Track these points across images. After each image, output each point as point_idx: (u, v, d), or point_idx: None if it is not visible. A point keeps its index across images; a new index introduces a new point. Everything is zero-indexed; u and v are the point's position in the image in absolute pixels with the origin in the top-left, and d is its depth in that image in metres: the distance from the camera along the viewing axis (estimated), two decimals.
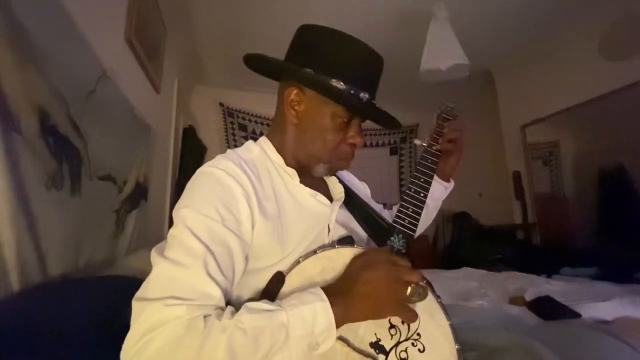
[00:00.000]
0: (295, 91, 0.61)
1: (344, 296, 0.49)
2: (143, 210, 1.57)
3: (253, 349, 0.41)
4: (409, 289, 0.51)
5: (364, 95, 0.61)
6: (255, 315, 0.44)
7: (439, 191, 0.81)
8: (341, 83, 0.59)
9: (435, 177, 0.78)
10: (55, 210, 0.82)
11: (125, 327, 0.42)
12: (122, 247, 1.31)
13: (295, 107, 0.61)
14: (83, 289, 0.79)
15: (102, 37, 1.11)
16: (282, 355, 0.43)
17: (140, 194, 1.54)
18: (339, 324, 0.47)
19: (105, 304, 0.71)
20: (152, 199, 1.74)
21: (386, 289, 0.49)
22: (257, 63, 0.66)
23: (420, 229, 0.82)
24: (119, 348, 0.41)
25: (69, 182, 0.89)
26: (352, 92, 0.59)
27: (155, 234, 1.86)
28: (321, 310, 0.46)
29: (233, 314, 0.44)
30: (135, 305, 0.43)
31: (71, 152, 0.91)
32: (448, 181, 0.81)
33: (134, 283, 0.49)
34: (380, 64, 0.64)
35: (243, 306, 0.45)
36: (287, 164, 0.63)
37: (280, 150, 0.64)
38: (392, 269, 0.51)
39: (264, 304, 0.46)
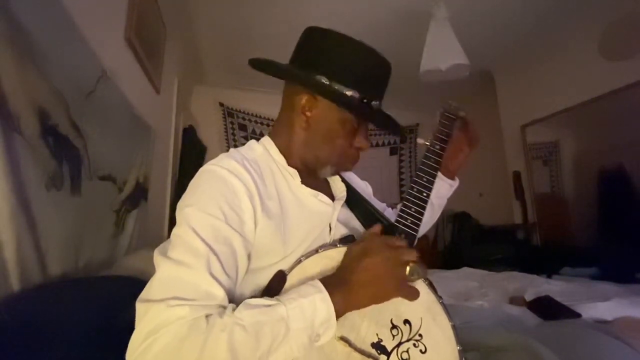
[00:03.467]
0: (306, 97, 0.61)
1: (343, 285, 0.49)
2: (143, 210, 1.57)
3: (254, 344, 0.42)
4: (408, 269, 0.51)
5: (375, 103, 0.61)
6: (255, 310, 0.44)
7: (444, 189, 0.81)
8: (356, 92, 0.59)
9: (441, 175, 0.79)
10: (55, 210, 0.82)
11: (126, 327, 0.42)
12: (122, 247, 1.31)
13: (306, 113, 0.62)
14: (83, 289, 0.79)
15: (102, 37, 1.11)
16: (284, 350, 0.43)
17: (140, 194, 1.54)
18: (340, 314, 0.47)
19: (105, 304, 0.71)
20: (152, 199, 1.74)
21: (385, 272, 0.50)
22: (266, 68, 0.66)
23: (425, 228, 0.83)
24: (119, 348, 0.41)
25: (69, 182, 0.89)
26: (364, 100, 0.60)
27: (155, 234, 1.85)
28: (320, 301, 0.46)
29: (234, 311, 0.44)
30: (139, 306, 0.43)
31: (71, 152, 0.91)
32: (453, 179, 0.82)
33: (134, 283, 0.49)
34: (389, 71, 0.64)
35: (242, 303, 0.45)
36: (290, 164, 0.63)
37: (284, 151, 0.64)
38: (389, 252, 0.51)
39: (263, 300, 0.46)
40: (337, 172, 0.68)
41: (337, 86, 0.59)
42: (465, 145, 0.76)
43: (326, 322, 0.46)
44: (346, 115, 0.61)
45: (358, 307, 0.50)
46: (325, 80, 0.59)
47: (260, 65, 0.65)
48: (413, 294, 0.52)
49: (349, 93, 0.59)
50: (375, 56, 0.61)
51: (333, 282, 0.49)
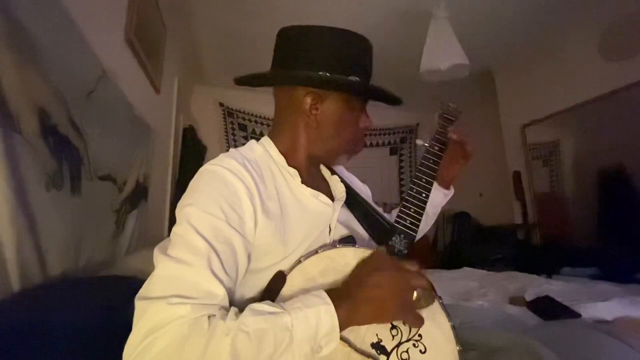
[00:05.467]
0: (311, 96, 0.61)
1: (349, 300, 0.48)
2: (143, 210, 1.57)
3: (256, 351, 0.41)
4: (415, 294, 0.50)
5: (372, 83, 0.63)
6: (259, 317, 0.44)
7: (438, 198, 0.81)
8: (355, 77, 0.61)
9: (435, 184, 0.78)
10: (55, 210, 0.82)
11: (126, 327, 0.42)
12: (122, 247, 1.31)
13: (313, 112, 0.62)
14: (83, 289, 0.79)
15: (102, 37, 1.11)
16: (285, 358, 0.43)
17: (140, 194, 1.54)
18: (342, 327, 0.47)
19: (105, 304, 0.71)
20: (152, 199, 1.74)
21: (392, 293, 0.49)
22: (267, 80, 0.66)
23: (418, 234, 0.82)
24: (119, 348, 0.41)
25: (69, 182, 0.89)
26: (363, 83, 0.62)
27: (155, 234, 1.86)
28: (325, 313, 0.46)
29: (237, 315, 0.44)
30: (138, 304, 0.43)
31: (71, 152, 0.91)
32: (448, 188, 0.82)
33: (134, 283, 0.49)
34: (371, 47, 0.66)
35: (247, 308, 0.45)
36: (290, 164, 0.63)
37: (285, 152, 0.64)
38: (399, 274, 0.51)
39: (268, 306, 0.46)
40: (350, 157, 0.69)
41: (340, 76, 0.60)
42: (460, 158, 0.76)
43: (329, 335, 0.45)
44: (351, 102, 0.63)
45: (361, 323, 0.50)
46: (328, 74, 0.60)
47: (255, 80, 0.66)
48: (417, 321, 0.51)
49: (352, 79, 0.60)
50: (358, 38, 0.63)
51: (339, 295, 0.48)
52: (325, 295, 0.48)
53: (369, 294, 0.49)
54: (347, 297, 0.49)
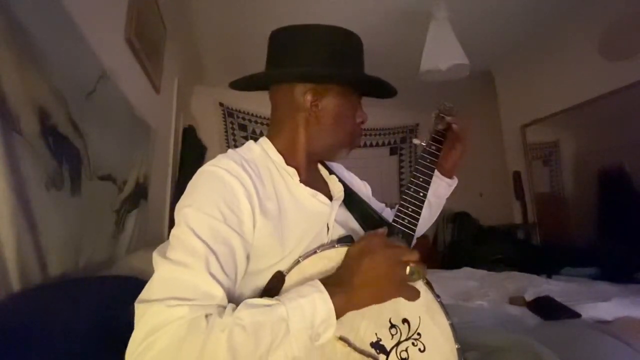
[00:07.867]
0: (311, 92, 0.62)
1: (344, 285, 0.49)
2: (143, 210, 1.57)
3: (254, 344, 0.42)
4: (408, 269, 0.51)
5: (370, 75, 0.64)
6: (254, 310, 0.44)
7: (442, 188, 0.81)
8: (351, 69, 0.63)
9: (439, 174, 0.79)
10: (55, 210, 0.82)
11: (125, 327, 0.42)
12: (122, 247, 1.31)
13: (313, 108, 0.62)
14: (83, 289, 0.79)
15: (102, 37, 1.11)
16: (284, 349, 0.43)
17: (140, 194, 1.54)
18: (340, 314, 0.47)
19: (105, 304, 0.71)
20: (152, 199, 1.74)
21: (385, 272, 0.50)
22: (265, 79, 0.67)
23: (423, 228, 0.83)
24: (119, 348, 0.41)
25: (69, 182, 0.89)
26: (361, 73, 0.64)
27: (155, 234, 1.86)
28: (320, 301, 0.46)
29: (234, 310, 0.44)
30: (137, 307, 0.43)
31: (71, 152, 0.91)
32: (451, 178, 0.81)
33: (134, 283, 0.50)
34: (361, 41, 0.67)
35: (242, 303, 0.45)
36: (289, 164, 0.63)
37: (284, 151, 0.64)
38: (389, 252, 0.51)
39: (263, 300, 0.46)
40: (350, 151, 0.70)
41: (340, 69, 0.61)
42: (457, 143, 0.76)
43: (326, 322, 0.46)
44: (350, 95, 0.65)
45: (358, 307, 0.50)
46: (328, 69, 0.61)
47: (252, 81, 0.66)
48: (413, 294, 0.51)
49: (350, 72, 0.62)
50: (348, 33, 0.65)
51: (333, 282, 0.49)
52: (319, 283, 0.48)
53: (363, 277, 0.49)
54: (341, 284, 0.49)
